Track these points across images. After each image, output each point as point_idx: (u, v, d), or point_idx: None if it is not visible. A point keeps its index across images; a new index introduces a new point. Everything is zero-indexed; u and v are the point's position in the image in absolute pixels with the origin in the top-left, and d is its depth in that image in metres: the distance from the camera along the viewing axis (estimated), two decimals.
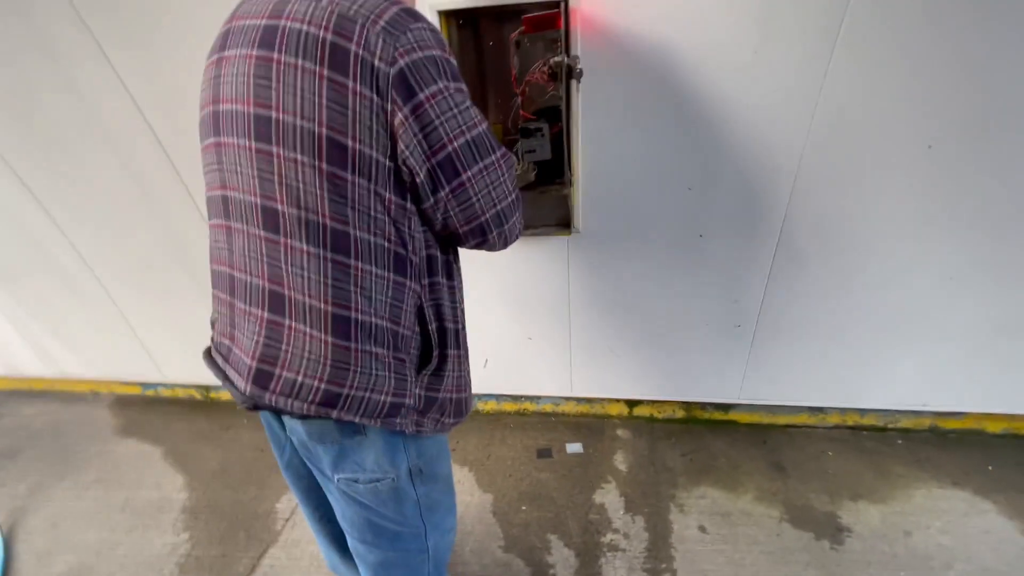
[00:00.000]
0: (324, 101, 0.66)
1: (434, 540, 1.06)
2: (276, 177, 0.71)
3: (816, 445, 1.82)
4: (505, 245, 0.87)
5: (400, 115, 0.68)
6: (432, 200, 0.75)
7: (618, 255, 1.56)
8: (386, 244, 0.75)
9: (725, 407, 1.93)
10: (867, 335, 1.60)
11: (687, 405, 1.95)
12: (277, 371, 0.78)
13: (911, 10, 1.09)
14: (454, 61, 0.72)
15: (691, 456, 1.82)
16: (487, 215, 0.78)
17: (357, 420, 0.80)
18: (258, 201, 0.73)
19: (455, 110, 0.70)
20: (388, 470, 0.90)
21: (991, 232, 1.36)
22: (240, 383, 0.80)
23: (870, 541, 1.48)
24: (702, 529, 1.56)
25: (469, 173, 0.73)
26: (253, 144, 0.71)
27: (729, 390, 1.83)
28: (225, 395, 2.34)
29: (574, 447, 1.90)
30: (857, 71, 1.17)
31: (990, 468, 1.67)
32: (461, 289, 0.93)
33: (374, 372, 0.79)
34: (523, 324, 1.78)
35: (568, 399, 2.02)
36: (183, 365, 2.21)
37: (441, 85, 0.69)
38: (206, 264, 0.89)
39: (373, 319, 0.77)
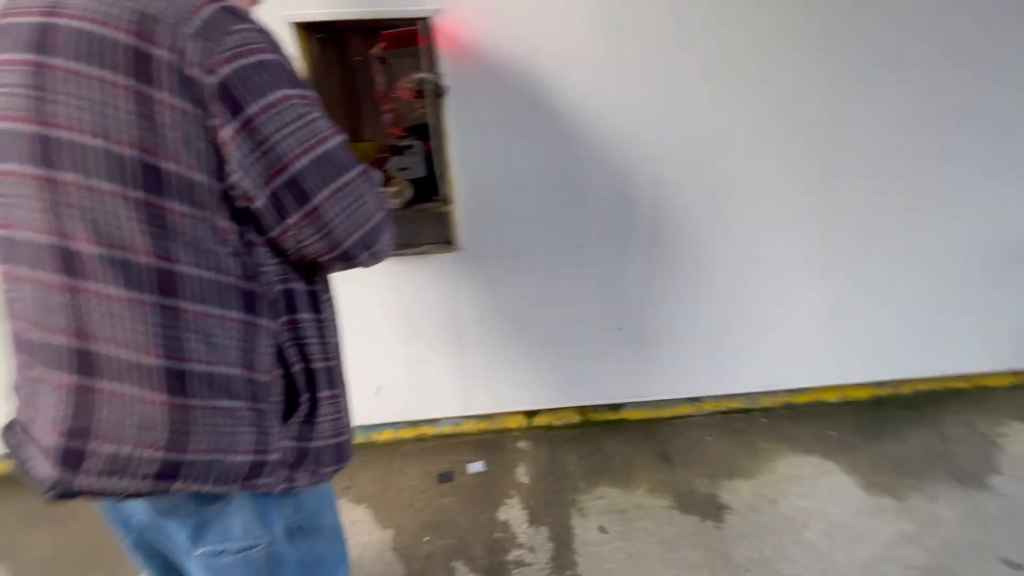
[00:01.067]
0: (127, 117, 0.56)
1: None
2: (71, 210, 0.58)
3: (696, 432, 1.97)
4: (376, 263, 0.80)
5: (227, 131, 0.58)
6: (280, 228, 0.64)
7: (503, 269, 1.58)
8: (226, 279, 0.65)
9: (616, 407, 2.02)
10: (729, 325, 1.78)
11: (582, 409, 2.02)
12: (91, 445, 0.62)
13: (756, 10, 1.24)
14: (291, 65, 0.64)
15: (588, 459, 1.87)
16: (350, 240, 0.68)
17: (207, 490, 0.68)
18: (50, 240, 0.59)
19: (297, 123, 0.61)
20: (261, 535, 0.78)
21: (821, 229, 1.59)
22: (43, 467, 0.64)
23: (745, 515, 1.63)
24: (602, 529, 1.61)
25: (322, 195, 0.63)
26: (36, 171, 0.57)
27: (619, 390, 1.93)
28: None
29: (476, 466, 1.87)
30: (703, 81, 1.31)
31: (832, 433, 1.93)
32: (334, 320, 0.84)
33: (225, 430, 0.67)
34: (414, 346, 1.73)
35: (467, 417, 1.99)
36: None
37: (278, 95, 0.60)
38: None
39: (216, 368, 0.65)
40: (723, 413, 2.05)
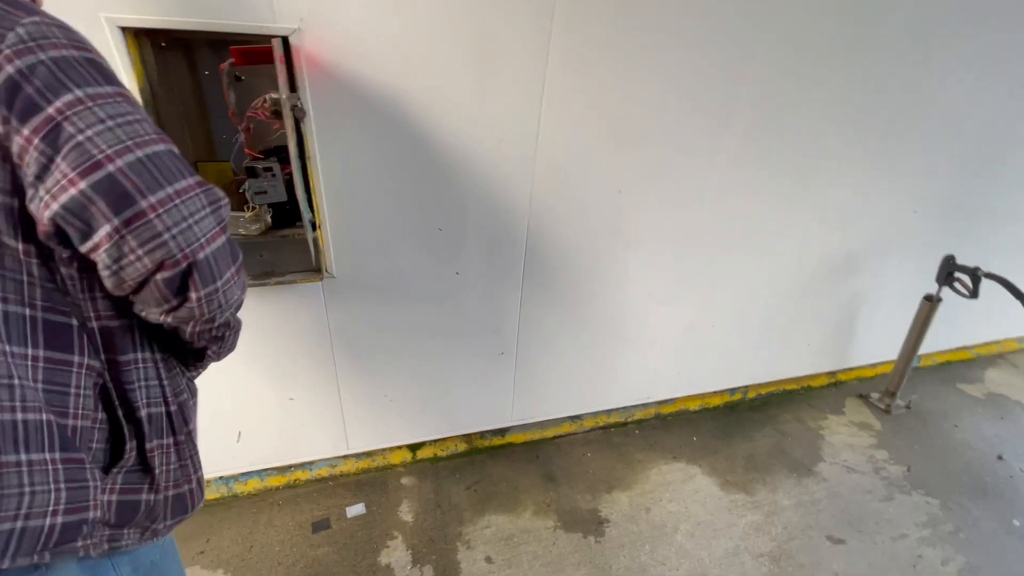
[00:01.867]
0: None
1: None
2: None
3: (578, 449, 2.05)
4: (220, 317, 0.64)
5: (19, 140, 0.50)
6: (92, 241, 0.52)
7: (379, 298, 1.52)
8: (26, 311, 0.56)
9: (502, 431, 2.03)
10: (600, 344, 1.89)
11: (468, 437, 1.99)
12: None
13: (600, 69, 1.36)
14: (102, 60, 0.56)
15: (475, 487, 1.85)
16: (194, 258, 0.56)
17: (6, 566, 0.56)
18: None
19: (110, 122, 0.52)
20: None
21: (674, 254, 1.76)
22: None
23: (623, 525, 1.71)
24: (488, 560, 1.58)
25: (152, 200, 0.52)
26: None
27: (503, 414, 1.94)
28: None
29: (355, 509, 1.74)
30: (560, 123, 1.40)
31: (695, 439, 2.12)
32: (174, 354, 0.74)
33: (27, 489, 0.56)
34: (282, 384, 1.58)
35: (346, 457, 1.86)
36: None
37: (84, 92, 0.51)
38: None
39: (20, 415, 0.55)
40: (602, 428, 2.16)
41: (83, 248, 0.53)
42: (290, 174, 1.15)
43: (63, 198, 0.50)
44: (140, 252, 0.53)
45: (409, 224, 1.42)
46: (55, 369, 0.59)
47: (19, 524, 0.56)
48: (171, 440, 0.71)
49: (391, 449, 1.90)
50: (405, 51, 1.18)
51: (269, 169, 1.15)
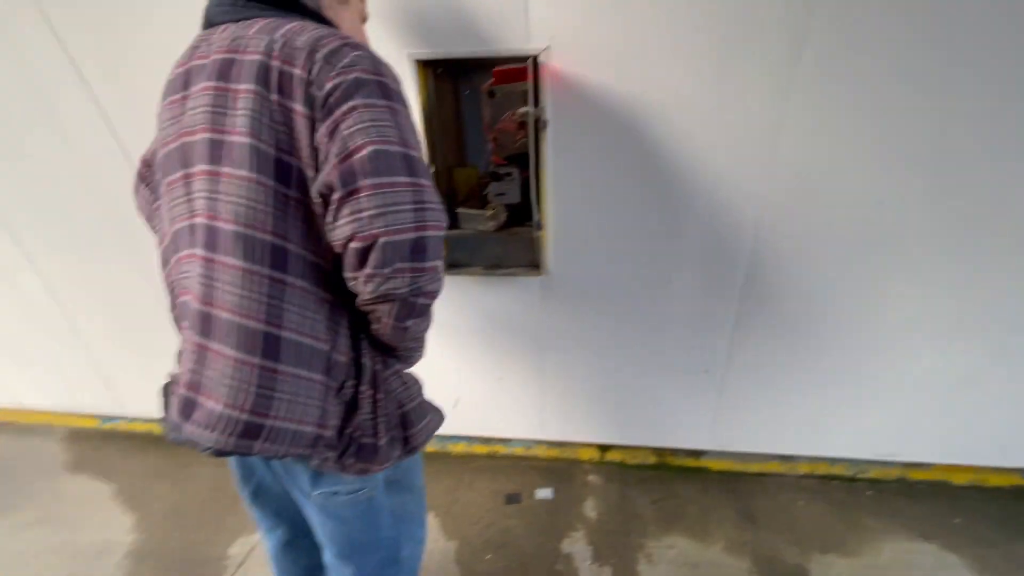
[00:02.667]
0: (273, 123, 0.69)
1: (407, 550, 1.08)
2: (220, 195, 0.71)
3: (787, 494, 1.80)
4: (382, 299, 0.73)
5: (322, 130, 0.69)
6: (330, 203, 0.70)
7: (589, 298, 1.58)
8: (319, 261, 0.75)
9: (696, 453, 1.91)
10: (834, 382, 1.62)
11: (659, 451, 1.93)
12: (200, 398, 0.74)
13: (865, 64, 1.17)
14: (395, 87, 0.73)
15: (661, 504, 1.78)
16: (380, 238, 0.67)
17: (280, 454, 0.76)
18: (199, 222, 0.73)
19: (371, 123, 0.68)
20: (367, 481, 0.90)
21: (951, 285, 1.41)
22: (172, 413, 0.77)
23: None
24: None
25: (366, 181, 0.67)
26: (207, 167, 0.72)
27: (700, 436, 1.83)
28: None
29: (544, 492, 1.86)
30: (811, 123, 1.24)
31: (956, 521, 1.66)
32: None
33: (300, 400, 0.75)
34: (495, 364, 1.77)
35: (539, 442, 1.99)
36: (144, 398, 2.14)
37: (362, 100, 0.68)
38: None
39: (305, 339, 0.74)
40: (820, 478, 1.85)
41: (326, 211, 0.71)
42: (526, 179, 1.28)
43: (323, 177, 0.69)
44: (346, 219, 0.68)
45: (626, 228, 1.44)
46: (332, 310, 0.77)
47: (292, 426, 0.74)
48: (385, 389, 0.86)
49: (582, 444, 1.96)
50: (645, 62, 1.20)
51: (509, 174, 1.31)
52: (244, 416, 0.72)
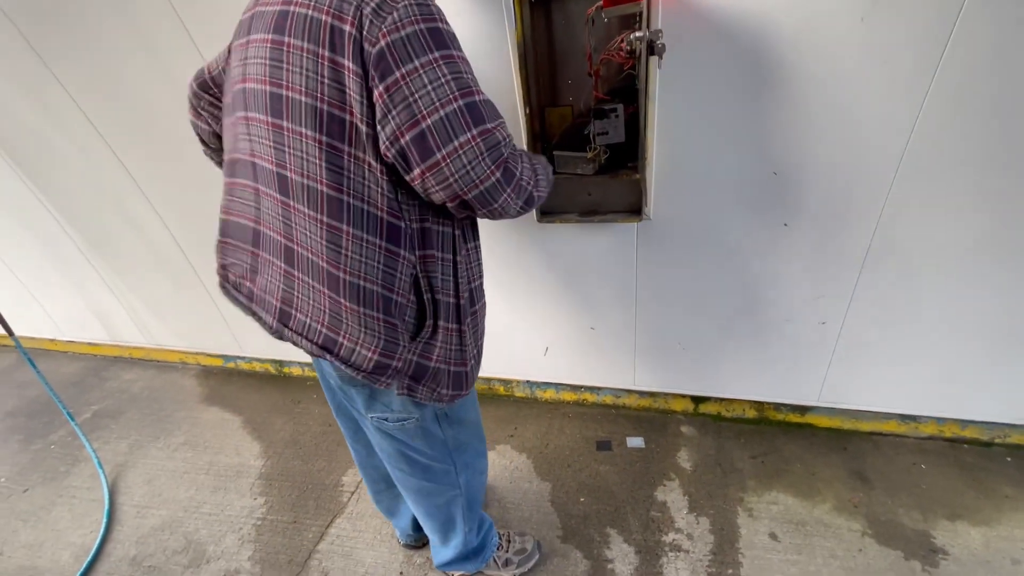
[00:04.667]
0: (325, 79, 0.71)
1: (465, 478, 1.18)
2: (286, 148, 0.78)
3: (906, 456, 1.66)
4: (510, 216, 0.86)
5: (377, 92, 0.70)
6: (411, 176, 0.76)
7: (692, 244, 1.48)
8: (378, 213, 0.79)
9: (802, 409, 1.80)
10: (977, 339, 1.43)
11: (759, 405, 1.84)
12: (293, 312, 0.88)
13: None
14: (445, 27, 0.72)
15: (762, 459, 1.71)
16: (470, 195, 0.77)
17: (346, 369, 0.86)
18: (274, 169, 0.80)
19: (430, 86, 0.70)
20: (412, 411, 0.99)
21: None
22: (268, 319, 0.92)
23: (970, 567, 1.33)
24: (773, 536, 1.47)
25: (443, 152, 0.72)
26: (269, 119, 0.78)
27: (807, 391, 1.71)
28: (296, 370, 2.47)
29: (635, 441, 1.85)
30: (985, 43, 1.02)
31: None
32: (468, 265, 0.94)
33: (363, 329, 0.84)
34: (588, 312, 1.74)
35: (630, 392, 1.96)
36: (260, 341, 2.35)
37: (419, 61, 0.69)
38: None
39: (361, 281, 0.81)
40: (948, 440, 1.69)
41: (407, 178, 0.77)
42: (632, 115, 1.18)
43: (395, 147, 0.73)
44: (436, 188, 0.76)
45: (740, 166, 1.30)
46: (389, 256, 0.81)
47: (356, 347, 0.85)
48: (455, 326, 0.92)
49: (674, 395, 1.91)
50: None
51: (613, 110, 1.21)
52: (323, 329, 0.86)
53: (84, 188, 2.03)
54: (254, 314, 0.95)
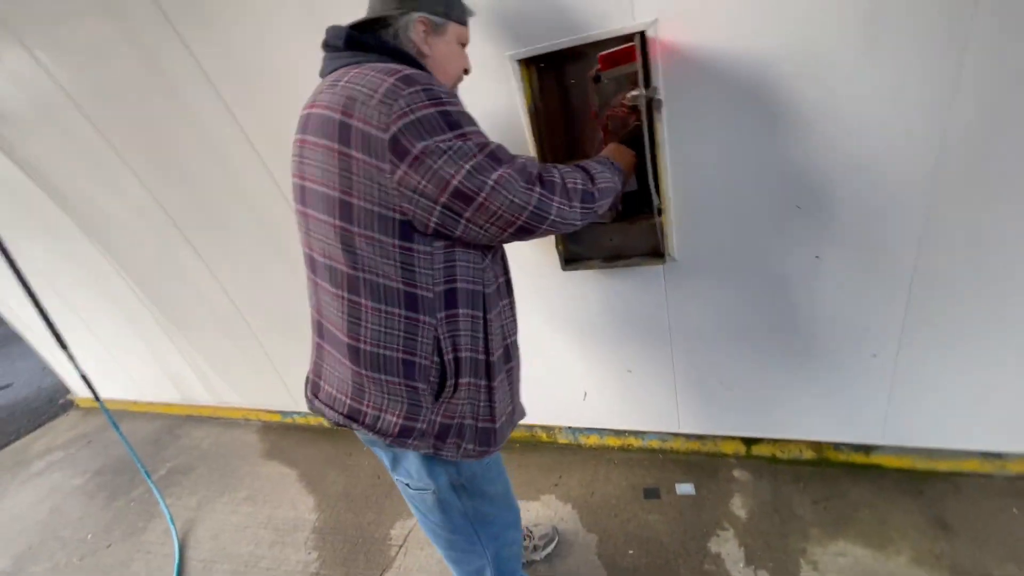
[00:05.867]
0: (336, 170, 0.79)
1: (493, 550, 1.14)
2: (312, 233, 0.87)
3: (993, 500, 1.49)
4: (575, 227, 0.89)
5: (399, 172, 0.76)
6: (463, 226, 0.81)
7: (722, 282, 1.45)
8: (394, 284, 0.83)
9: (866, 448, 1.67)
10: None
11: (817, 445, 1.72)
12: (322, 383, 0.97)
13: None
14: (454, 108, 0.78)
15: (824, 504, 1.59)
16: (523, 219, 0.81)
17: (373, 435, 0.89)
18: (307, 252, 0.91)
19: (450, 152, 0.76)
20: (428, 483, 0.99)
21: None
22: (306, 390, 1.02)
23: None
24: None
25: (483, 196, 0.78)
26: (300, 208, 0.89)
27: (870, 429, 1.59)
28: None
29: (685, 488, 1.77)
30: (997, 53, 0.99)
31: None
32: (503, 323, 0.97)
33: (385, 396, 0.88)
34: (623, 355, 1.72)
35: (676, 435, 1.90)
36: None
37: (436, 139, 0.75)
38: None
39: (381, 350, 0.86)
40: None
41: (457, 232, 0.81)
42: (641, 164, 1.21)
43: (435, 214, 0.78)
44: (489, 224, 0.81)
45: (759, 202, 1.29)
46: (409, 323, 0.85)
47: (380, 414, 0.88)
48: (484, 383, 0.93)
49: (723, 437, 1.83)
50: (768, 20, 1.05)
51: None
52: (348, 400, 0.91)
53: (158, 263, 2.27)
54: (305, 385, 1.05)
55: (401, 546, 1.82)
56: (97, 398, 2.22)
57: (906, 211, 1.20)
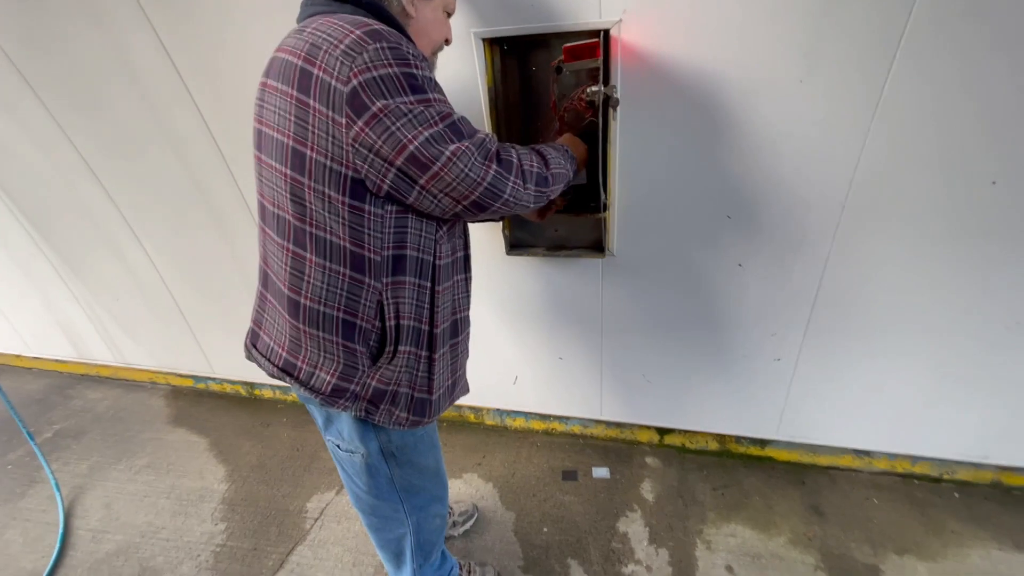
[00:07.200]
0: (292, 117, 0.76)
1: (416, 519, 1.15)
2: (264, 180, 0.84)
3: (860, 490, 1.71)
4: (528, 209, 0.90)
5: (355, 128, 0.73)
6: (416, 193, 0.79)
7: (654, 280, 1.54)
8: (340, 242, 0.81)
9: (761, 442, 1.85)
10: (925, 379, 1.50)
11: (721, 437, 1.88)
12: (262, 334, 0.96)
13: (975, 44, 1.03)
14: (420, 72, 0.76)
15: (723, 491, 1.75)
16: (476, 194, 0.80)
17: (304, 391, 0.90)
18: (259, 198, 0.88)
19: (410, 116, 0.74)
20: (358, 446, 0.99)
21: None
22: (246, 339, 1.01)
23: None
24: (729, 569, 1.49)
25: (438, 165, 0.76)
26: (256, 153, 0.86)
27: (766, 425, 1.76)
28: (267, 393, 2.46)
29: (600, 472, 1.87)
30: (911, 101, 1.12)
31: None
32: (456, 296, 0.97)
33: (321, 353, 0.88)
34: (554, 344, 1.78)
35: (597, 422, 2.00)
36: (232, 361, 2.34)
37: (396, 100, 0.73)
38: (255, 267, 0.99)
39: (322, 307, 0.85)
40: (900, 475, 1.74)
41: (410, 200, 0.80)
42: (592, 159, 1.25)
43: (389, 176, 0.77)
44: (442, 194, 0.79)
45: (695, 208, 1.38)
46: (353, 284, 0.84)
47: (314, 371, 0.88)
48: (425, 353, 0.94)
49: (640, 427, 1.95)
50: (724, 34, 1.12)
51: None
52: (283, 353, 0.91)
53: (60, 204, 2.04)
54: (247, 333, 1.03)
55: (317, 519, 1.78)
56: None
57: (820, 231, 1.33)
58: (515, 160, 0.85)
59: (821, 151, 1.22)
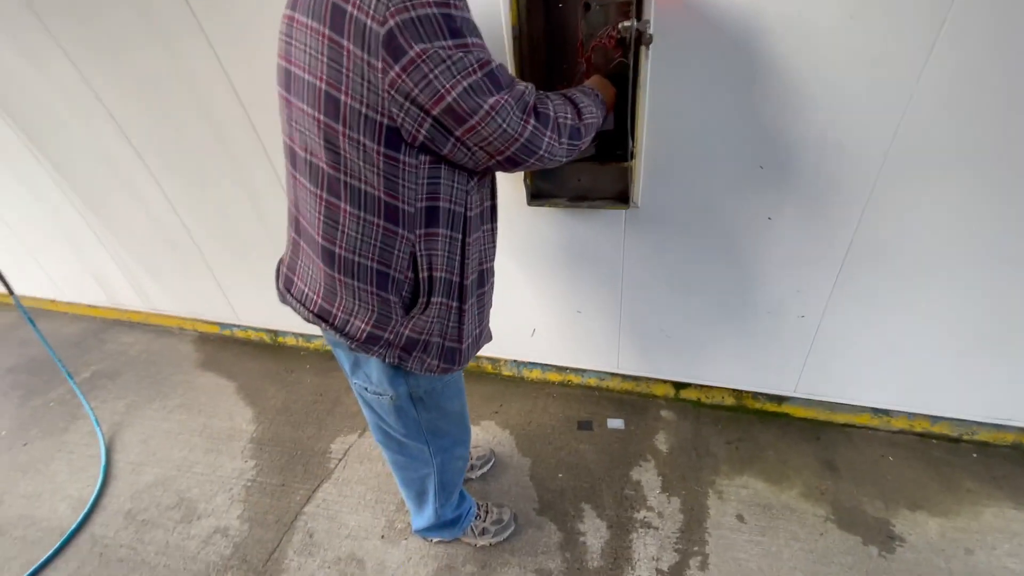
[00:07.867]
0: (325, 59, 0.72)
1: (440, 460, 1.21)
2: (294, 124, 0.81)
3: (876, 448, 1.71)
4: (560, 163, 0.88)
5: (392, 74, 0.69)
6: (451, 144, 0.76)
7: (677, 233, 1.50)
8: (375, 192, 0.79)
9: (778, 399, 1.85)
10: (951, 339, 1.46)
11: (737, 393, 1.89)
12: (296, 280, 0.97)
13: None
14: (459, 13, 0.71)
15: (737, 444, 1.77)
16: (512, 149, 0.78)
17: (339, 338, 0.91)
18: (287, 142, 0.85)
19: (448, 63, 0.69)
20: (387, 389, 1.01)
21: None
22: (278, 283, 1.02)
23: (924, 553, 1.40)
24: (740, 518, 1.53)
25: (476, 118, 0.73)
26: (284, 93, 0.82)
27: (785, 382, 1.75)
28: (291, 340, 2.52)
29: (615, 423, 1.90)
30: (975, 37, 1.03)
31: None
32: (483, 247, 0.96)
33: (356, 301, 0.88)
34: (573, 297, 1.77)
35: (614, 375, 2.01)
36: (256, 309, 2.40)
37: (434, 45, 0.68)
38: (279, 217, 0.99)
39: (357, 257, 0.85)
40: (918, 435, 1.74)
41: (444, 152, 0.77)
42: (621, 104, 1.19)
43: (425, 125, 0.73)
44: (477, 149, 0.77)
45: (727, 159, 1.32)
46: (386, 234, 0.83)
47: (349, 318, 0.90)
48: (456, 304, 0.95)
49: (656, 380, 1.96)
50: None
51: None
52: (319, 300, 0.92)
53: (84, 152, 2.05)
54: (277, 277, 1.05)
55: (341, 459, 1.86)
56: (11, 291, 2.04)
57: (855, 186, 1.27)
58: (551, 113, 0.82)
59: (868, 96, 1.14)
